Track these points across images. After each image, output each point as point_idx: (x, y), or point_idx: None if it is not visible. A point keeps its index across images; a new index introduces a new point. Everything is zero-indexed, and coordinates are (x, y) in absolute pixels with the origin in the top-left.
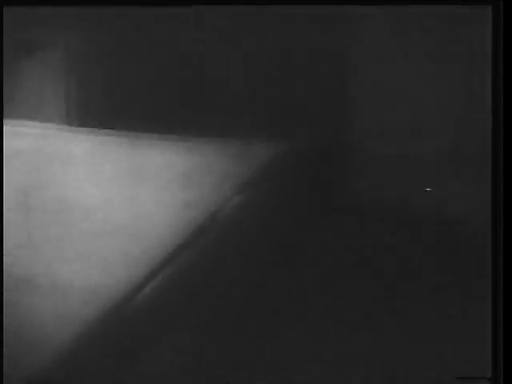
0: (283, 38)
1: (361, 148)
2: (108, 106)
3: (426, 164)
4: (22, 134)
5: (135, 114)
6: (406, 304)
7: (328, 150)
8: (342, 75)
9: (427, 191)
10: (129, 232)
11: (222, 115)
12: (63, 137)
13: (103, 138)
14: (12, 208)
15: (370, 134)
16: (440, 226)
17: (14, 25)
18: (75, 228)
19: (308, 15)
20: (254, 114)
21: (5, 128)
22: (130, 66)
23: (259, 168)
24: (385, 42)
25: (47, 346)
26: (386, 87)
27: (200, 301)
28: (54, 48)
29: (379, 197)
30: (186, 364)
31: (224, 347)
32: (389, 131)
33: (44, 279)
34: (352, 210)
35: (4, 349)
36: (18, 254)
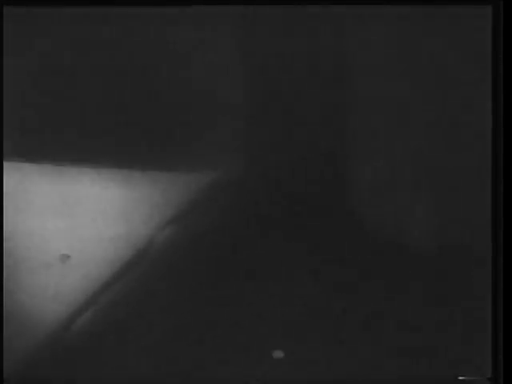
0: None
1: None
2: (37, 137)
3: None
4: None
5: (65, 146)
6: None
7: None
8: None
9: None
10: (59, 265)
11: (155, 145)
12: None
13: (32, 171)
14: None
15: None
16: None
17: None
18: (6, 261)
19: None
20: (187, 145)
21: None
22: (60, 94)
23: (191, 198)
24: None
25: None
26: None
27: (131, 334)
28: None
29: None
30: None
31: (158, 374)
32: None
33: None
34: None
35: None
36: None
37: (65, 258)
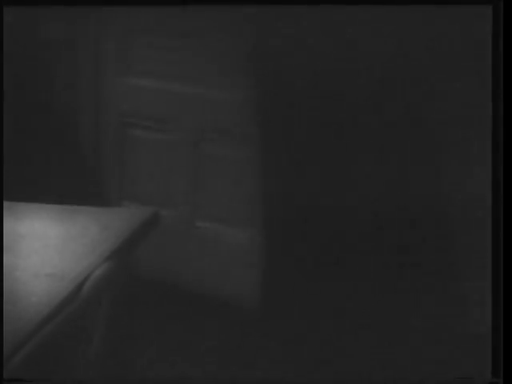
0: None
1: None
2: None
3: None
4: None
5: (10, 182)
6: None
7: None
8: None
9: None
10: None
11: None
12: None
13: None
14: None
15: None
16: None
17: None
18: None
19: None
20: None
21: None
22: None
23: (131, 234)
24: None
25: None
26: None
27: (66, 370)
28: None
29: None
30: None
31: None
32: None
33: None
34: None
35: None
36: None
37: None
